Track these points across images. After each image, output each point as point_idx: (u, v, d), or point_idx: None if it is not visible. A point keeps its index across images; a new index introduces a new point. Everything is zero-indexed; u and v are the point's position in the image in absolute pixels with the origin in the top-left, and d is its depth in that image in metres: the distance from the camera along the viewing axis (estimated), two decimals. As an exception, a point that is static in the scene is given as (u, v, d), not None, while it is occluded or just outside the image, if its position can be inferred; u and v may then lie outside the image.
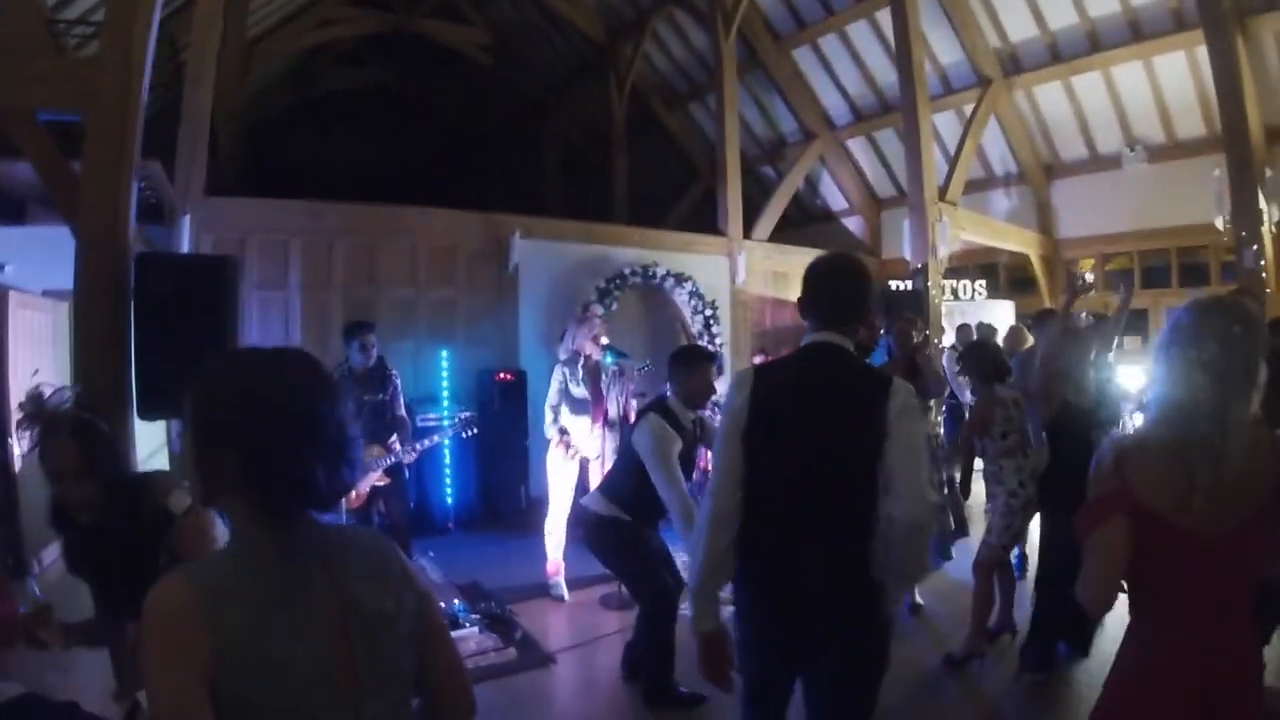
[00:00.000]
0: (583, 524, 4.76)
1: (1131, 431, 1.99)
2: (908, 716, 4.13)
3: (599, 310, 8.68)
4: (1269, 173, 9.12)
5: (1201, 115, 10.19)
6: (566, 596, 5.97)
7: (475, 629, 5.14)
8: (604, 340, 6.24)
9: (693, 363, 4.41)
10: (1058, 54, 11.14)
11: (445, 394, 8.20)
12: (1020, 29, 11.18)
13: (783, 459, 2.33)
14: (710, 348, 10.23)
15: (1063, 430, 4.45)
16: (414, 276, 8.68)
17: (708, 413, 5.03)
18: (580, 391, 6.13)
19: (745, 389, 2.40)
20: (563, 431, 6.10)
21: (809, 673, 2.45)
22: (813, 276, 2.51)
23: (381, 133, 16.06)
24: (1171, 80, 10.38)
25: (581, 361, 6.17)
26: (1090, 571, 1.85)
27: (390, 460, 5.70)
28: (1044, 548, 4.75)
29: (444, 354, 8.33)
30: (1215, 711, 1.80)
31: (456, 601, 5.33)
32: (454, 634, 4.87)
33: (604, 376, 6.22)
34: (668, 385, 4.48)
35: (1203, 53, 8.64)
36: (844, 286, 2.49)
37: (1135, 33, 10.29)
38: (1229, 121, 8.08)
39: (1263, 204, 8.36)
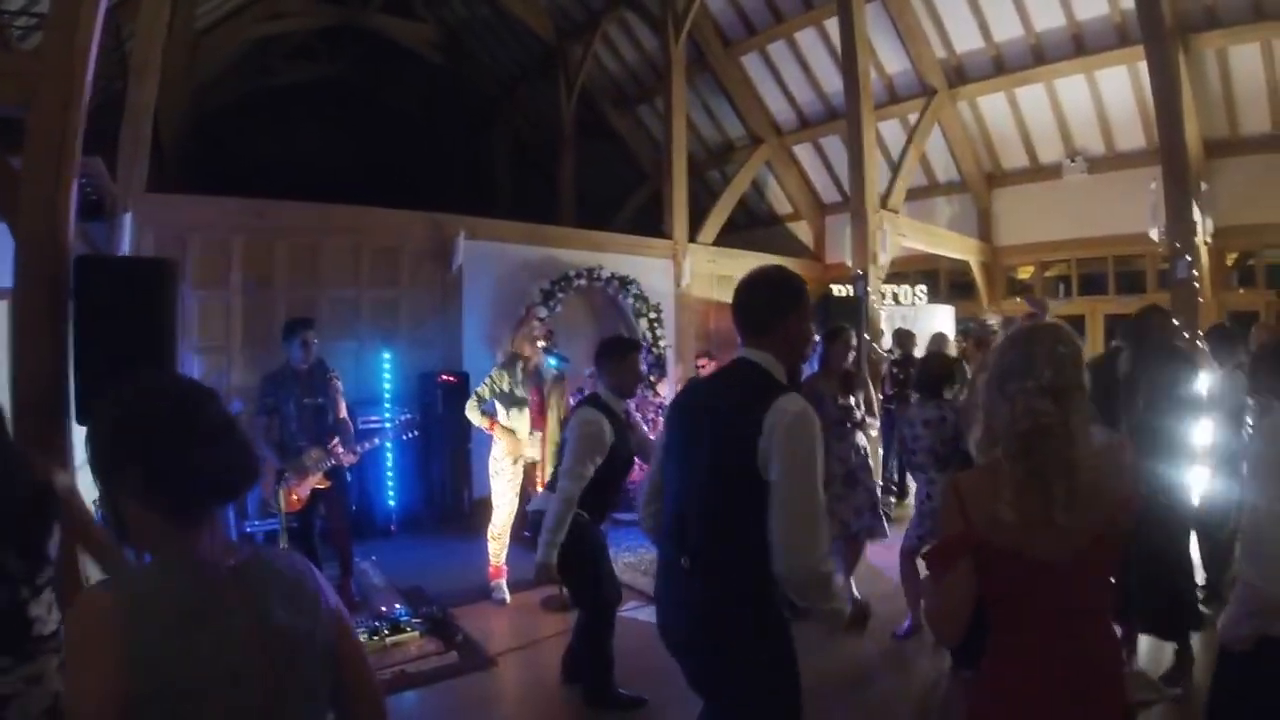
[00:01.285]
0: (530, 526, 4.77)
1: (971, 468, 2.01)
2: (841, 709, 4.25)
3: (541, 313, 8.69)
4: (1204, 186, 9.44)
5: (1141, 128, 10.49)
6: (508, 599, 5.95)
7: (417, 633, 5.12)
8: (542, 343, 6.24)
9: (621, 352, 4.46)
10: (1002, 65, 11.37)
11: (387, 396, 8.13)
12: (966, 40, 11.40)
13: (671, 478, 2.46)
14: (657, 349, 10.31)
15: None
16: (357, 276, 8.56)
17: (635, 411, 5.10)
18: (521, 393, 6.08)
19: (672, 404, 2.56)
20: (492, 415, 6.00)
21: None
22: (734, 292, 2.56)
23: (330, 129, 15.83)
24: (1113, 93, 10.69)
25: (521, 364, 6.15)
26: (939, 611, 1.96)
27: (330, 463, 5.64)
28: None
29: (386, 355, 8.25)
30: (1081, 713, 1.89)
31: (398, 605, 5.32)
32: (394, 639, 4.92)
33: (544, 381, 6.22)
34: (598, 380, 4.53)
35: (1144, 67, 8.84)
36: (747, 299, 2.50)
37: (1078, 46, 10.57)
38: (1166, 135, 8.29)
39: (1197, 215, 8.62)
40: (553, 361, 6.24)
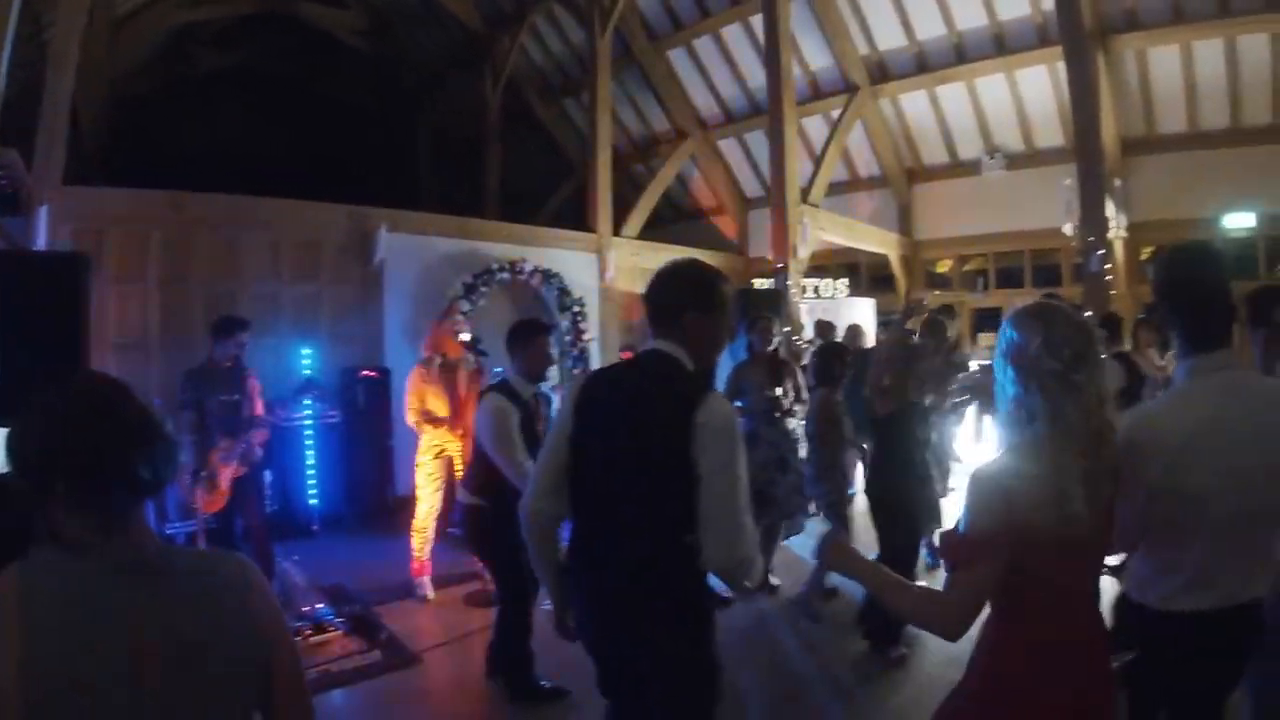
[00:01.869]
0: (458, 519, 4.78)
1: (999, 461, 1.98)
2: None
3: (464, 307, 8.64)
4: (1119, 182, 9.81)
5: (1059, 126, 10.87)
6: (431, 596, 5.95)
7: (340, 632, 5.09)
8: (464, 337, 6.22)
9: (529, 336, 4.43)
10: (924, 63, 11.69)
11: (308, 392, 7.98)
12: (889, 38, 11.69)
13: (588, 469, 2.43)
14: (580, 343, 10.32)
15: (894, 426, 4.80)
16: (277, 270, 8.41)
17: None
18: (436, 390, 6.06)
19: (572, 395, 2.51)
20: (427, 416, 6.00)
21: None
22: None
23: (252, 118, 15.43)
24: (1032, 92, 11.06)
25: (439, 361, 6.12)
26: (944, 608, 1.89)
27: (240, 448, 5.54)
28: (880, 534, 4.96)
29: (307, 351, 8.12)
30: (1091, 692, 1.91)
31: (321, 605, 5.27)
32: (317, 638, 4.88)
33: (462, 375, 6.19)
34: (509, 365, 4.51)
35: (1064, 67, 9.11)
36: (654, 291, 2.52)
37: (1000, 46, 10.93)
38: (1082, 133, 8.58)
39: (1111, 211, 8.94)
40: (471, 357, 6.22)
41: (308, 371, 8.01)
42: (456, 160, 16.28)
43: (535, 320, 4.85)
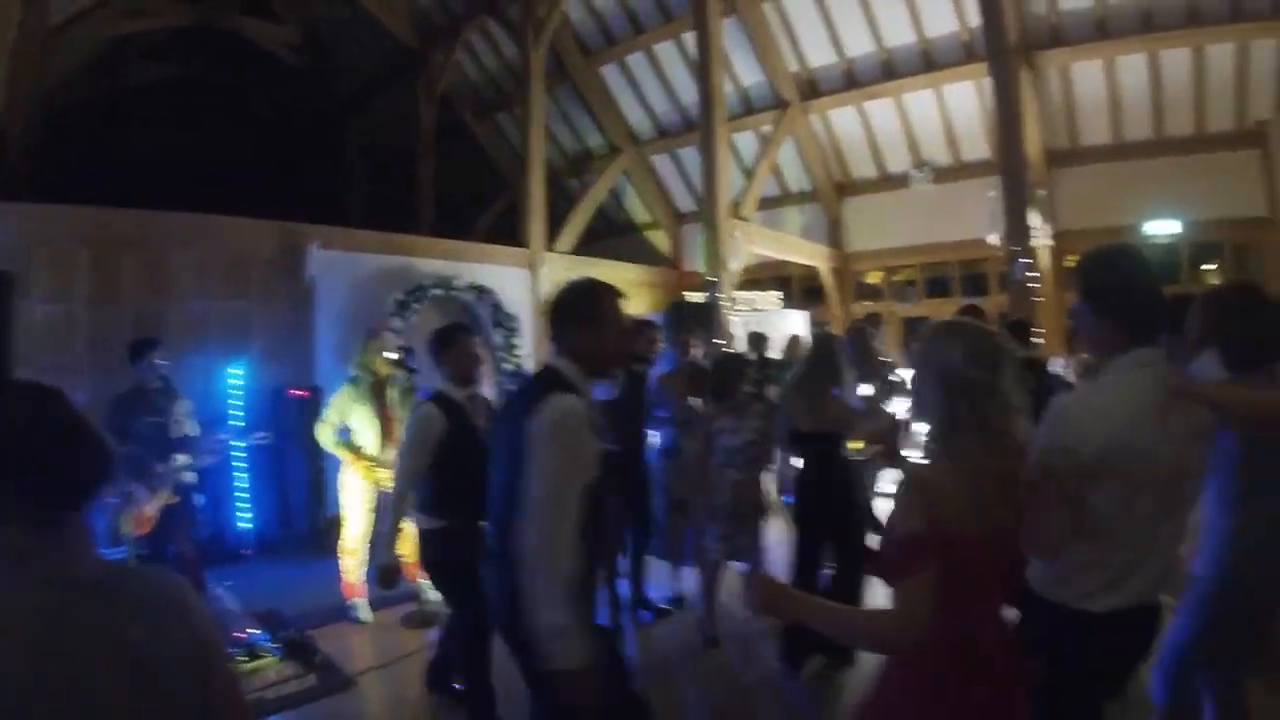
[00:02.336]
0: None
1: (925, 469, 1.99)
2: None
3: (396, 324, 8.57)
4: (1043, 193, 10.14)
5: (986, 139, 11.23)
6: (367, 618, 5.90)
7: (275, 657, 5.03)
8: (393, 355, 6.18)
9: (451, 338, 4.36)
10: (854, 79, 11.99)
11: (238, 413, 7.85)
12: (819, 55, 11.98)
13: (493, 488, 2.63)
14: (513, 360, 10.27)
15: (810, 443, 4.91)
16: (206, 288, 8.24)
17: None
18: (365, 410, 5.99)
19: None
20: (351, 447, 5.92)
21: None
22: None
23: (184, 132, 15.14)
24: (959, 107, 11.41)
25: (368, 380, 6.05)
26: (896, 620, 1.87)
27: (178, 474, 5.46)
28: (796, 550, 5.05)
29: (237, 371, 7.96)
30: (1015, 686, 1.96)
31: (255, 630, 5.19)
32: (252, 664, 4.82)
33: (391, 392, 6.13)
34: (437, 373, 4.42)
35: (989, 82, 9.39)
36: (550, 307, 2.70)
37: (927, 62, 11.27)
38: (1005, 146, 8.87)
39: (1035, 221, 9.24)
40: (401, 373, 6.18)
41: (237, 391, 7.88)
42: (389, 175, 16.15)
43: (456, 323, 4.78)
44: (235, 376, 7.89)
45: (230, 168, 14.11)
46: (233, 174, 13.61)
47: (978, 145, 11.63)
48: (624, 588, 5.82)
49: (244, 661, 4.90)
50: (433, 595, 5.92)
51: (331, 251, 8.93)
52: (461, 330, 4.52)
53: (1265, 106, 9.84)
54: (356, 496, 5.98)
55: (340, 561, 5.99)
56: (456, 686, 4.34)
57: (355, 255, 9.29)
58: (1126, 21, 9.90)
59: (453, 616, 4.35)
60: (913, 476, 1.98)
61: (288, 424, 7.85)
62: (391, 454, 5.95)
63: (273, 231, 8.75)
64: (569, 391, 2.47)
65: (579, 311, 2.62)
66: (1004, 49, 8.92)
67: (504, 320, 10.44)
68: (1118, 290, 2.26)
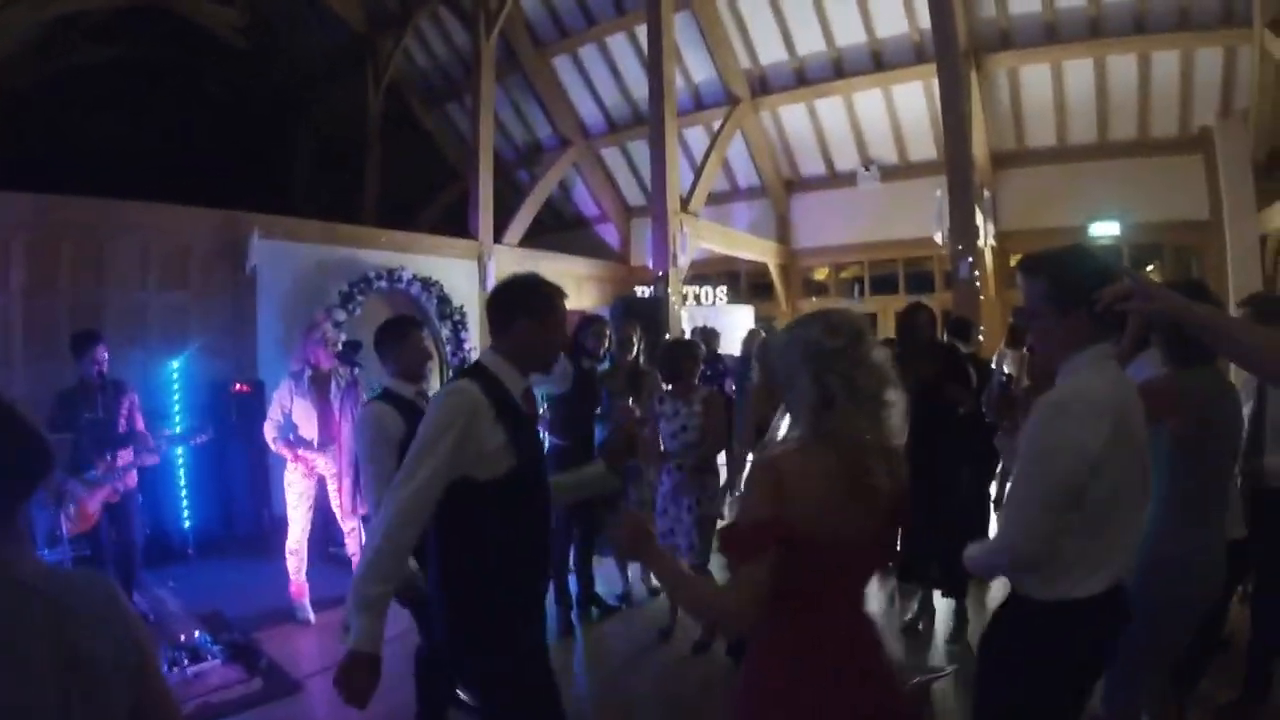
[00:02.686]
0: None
1: (779, 451, 1.97)
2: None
3: (339, 316, 8.44)
4: (988, 193, 10.32)
5: (933, 140, 11.34)
6: (312, 619, 5.81)
7: (218, 661, 4.92)
8: (338, 346, 6.05)
9: (400, 332, 4.13)
10: (804, 78, 12.04)
11: (178, 408, 7.66)
12: (770, 53, 12.00)
13: None
14: (461, 354, 10.16)
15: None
16: (144, 279, 8.02)
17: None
18: (305, 404, 5.88)
19: None
20: (291, 445, 5.80)
21: None
22: None
23: (126, 115, 14.65)
24: (907, 107, 11.56)
25: (309, 373, 5.93)
26: (735, 601, 1.85)
27: (114, 473, 5.32)
28: None
29: (176, 364, 7.76)
30: (872, 696, 1.91)
31: (198, 633, 5.07)
32: (195, 668, 4.71)
33: (334, 387, 6.01)
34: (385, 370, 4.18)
35: (938, 83, 9.45)
36: (489, 300, 2.70)
37: (877, 63, 11.38)
38: (952, 147, 9.00)
39: (980, 221, 9.39)
40: (345, 365, 6.06)
41: (177, 386, 7.69)
42: (335, 164, 15.82)
43: (404, 316, 4.55)
44: (175, 370, 7.69)
45: (173, 153, 13.70)
46: (175, 160, 13.21)
47: (925, 145, 11.78)
48: (573, 585, 5.82)
49: (187, 665, 4.78)
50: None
51: (274, 241, 8.75)
52: (410, 323, 4.30)
53: (1208, 113, 10.13)
54: (300, 496, 5.87)
55: (286, 563, 5.88)
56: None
57: (299, 245, 9.12)
58: (1075, 27, 10.10)
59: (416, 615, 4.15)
60: (767, 460, 1.96)
61: (229, 420, 7.70)
62: (332, 450, 5.86)
63: (214, 220, 8.53)
64: (479, 380, 2.48)
65: (529, 304, 2.60)
66: (952, 51, 9.04)
67: (451, 313, 10.35)
68: (1084, 286, 2.26)
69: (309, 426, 5.88)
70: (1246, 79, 9.63)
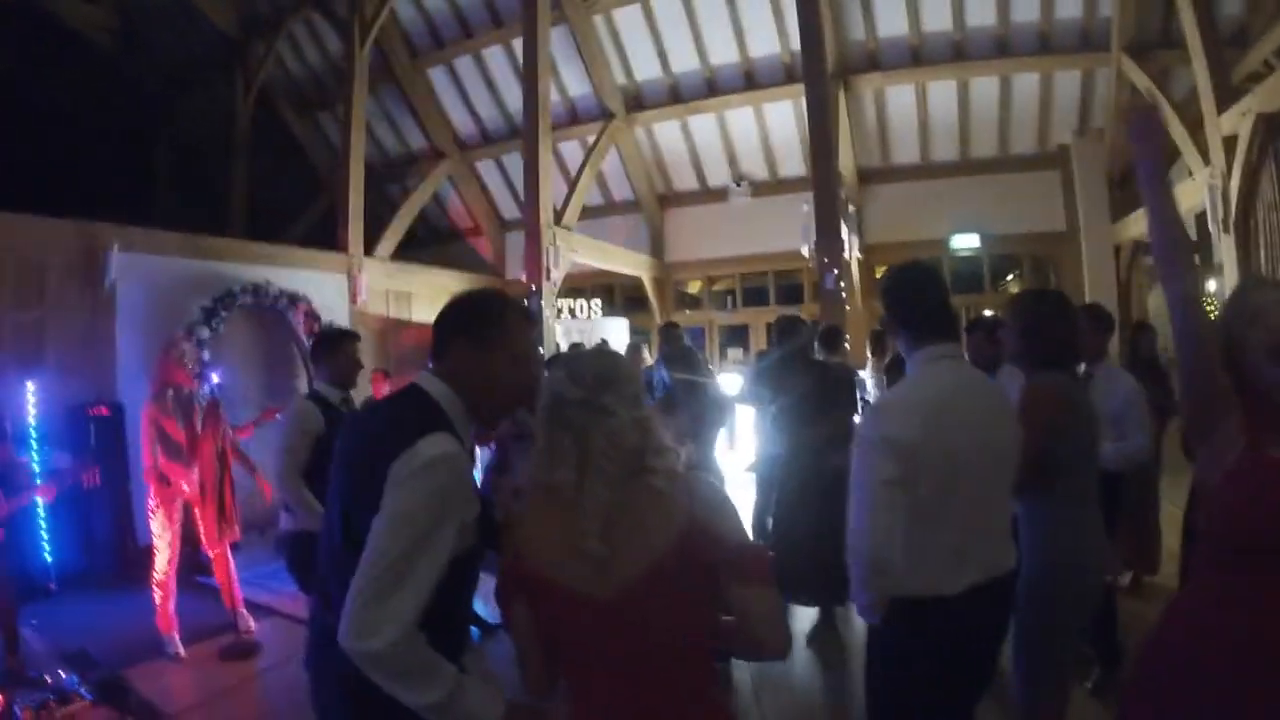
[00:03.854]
0: (280, 546, 4.63)
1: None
2: None
3: (203, 333, 8.21)
4: (853, 208, 10.81)
5: (801, 156, 11.86)
6: (182, 652, 5.63)
7: (87, 701, 4.75)
8: (196, 367, 5.92)
9: (337, 342, 4.60)
10: (678, 94, 12.41)
11: (33, 434, 7.25)
12: (646, 69, 12.35)
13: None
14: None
15: None
16: (-6, 294, 7.55)
17: None
18: (173, 425, 5.70)
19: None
20: (161, 479, 5.63)
21: None
22: None
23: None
24: (778, 124, 12.08)
25: (171, 394, 5.77)
26: (518, 654, 1.85)
27: None
28: None
29: (30, 386, 7.34)
30: None
31: (64, 673, 4.88)
32: (64, 710, 4.56)
33: (198, 408, 5.89)
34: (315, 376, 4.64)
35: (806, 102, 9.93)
36: (437, 315, 2.13)
37: (749, 81, 11.84)
38: (818, 164, 9.42)
39: (846, 234, 9.83)
40: (209, 386, 5.93)
41: (32, 411, 7.28)
42: (201, 174, 15.22)
43: (342, 329, 5.15)
44: (28, 394, 7.29)
45: (24, 160, 12.91)
46: (30, 167, 12.47)
47: (795, 162, 12.30)
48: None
49: (55, 707, 4.61)
50: (253, 625, 5.80)
51: (135, 255, 8.37)
52: (349, 334, 4.73)
53: (1066, 131, 10.94)
54: (160, 522, 5.69)
55: (153, 594, 5.69)
56: None
57: (161, 259, 8.76)
58: (939, 50, 10.76)
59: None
60: (507, 514, 1.91)
61: (87, 445, 7.36)
62: (196, 474, 5.71)
63: (69, 232, 8.10)
64: (444, 430, 1.90)
65: (475, 326, 2.05)
66: (821, 72, 9.51)
67: (320, 329, 10.02)
68: (908, 301, 2.53)
69: (173, 451, 5.68)
70: (1103, 100, 10.42)
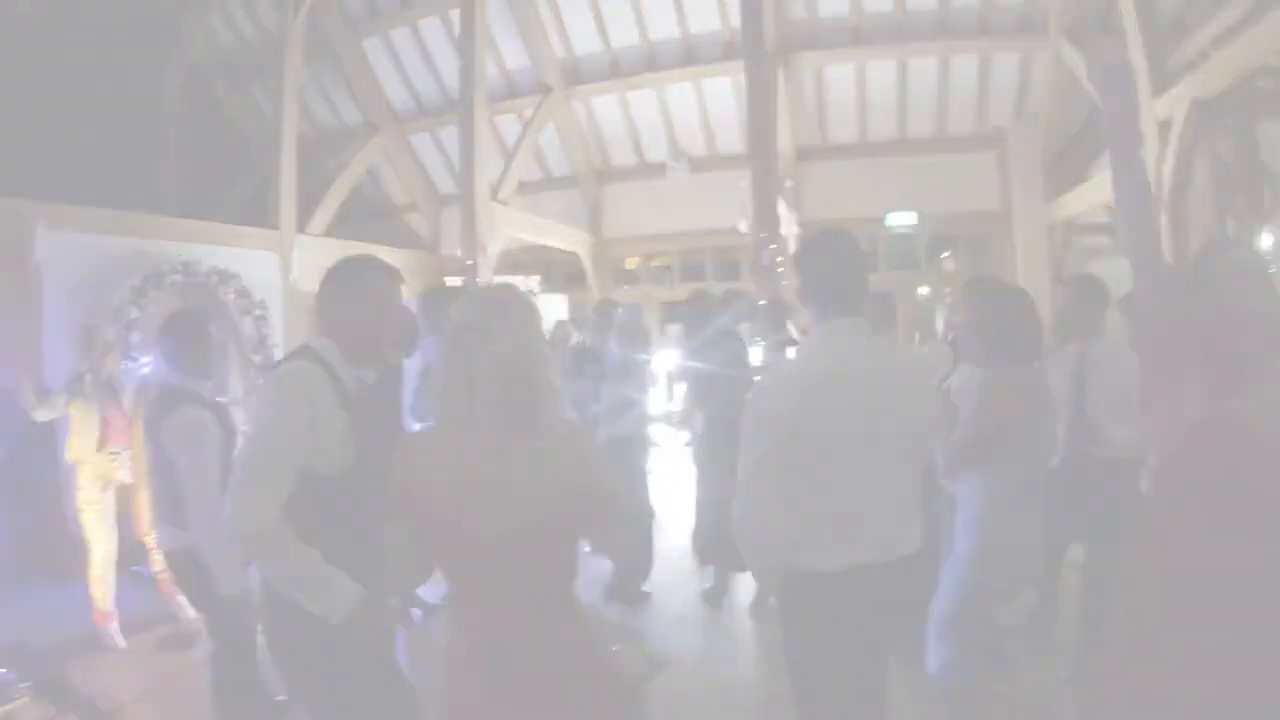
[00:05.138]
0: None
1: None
2: None
3: (132, 313, 8.07)
4: (790, 184, 10.94)
5: (740, 132, 11.82)
6: (122, 644, 5.62)
7: (26, 698, 4.72)
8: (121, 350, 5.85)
9: (191, 327, 3.92)
10: (617, 69, 12.36)
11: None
12: (585, 42, 12.28)
13: None
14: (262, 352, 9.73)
15: None
16: (-89, 277, 7.31)
17: None
18: (90, 411, 5.68)
19: None
20: (92, 469, 5.62)
21: None
22: None
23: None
24: (717, 101, 12.10)
25: (89, 379, 5.74)
26: (387, 554, 2.05)
27: None
28: None
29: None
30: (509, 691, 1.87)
31: (1, 671, 4.84)
32: (2, 709, 4.53)
33: (123, 392, 5.84)
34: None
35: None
36: (320, 284, 2.57)
37: (689, 57, 11.85)
38: (756, 140, 9.51)
39: (783, 210, 9.95)
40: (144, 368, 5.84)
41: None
42: (130, 148, 14.71)
43: (192, 309, 4.50)
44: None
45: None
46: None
47: (732, 138, 12.36)
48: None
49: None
50: (191, 614, 5.77)
51: (62, 233, 8.13)
52: (201, 316, 4.20)
53: (1005, 113, 11.15)
54: (101, 514, 5.66)
55: (91, 591, 5.65)
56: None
57: (89, 237, 8.53)
58: (879, 30, 10.90)
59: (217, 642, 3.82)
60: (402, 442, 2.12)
61: (14, 431, 7.19)
62: (126, 458, 5.65)
63: (-9, 210, 7.83)
64: (309, 361, 2.38)
65: (338, 284, 2.51)
66: (761, 49, 9.62)
67: (252, 308, 9.85)
68: (814, 271, 2.50)
69: (89, 435, 5.66)
70: (1042, 84, 10.65)
